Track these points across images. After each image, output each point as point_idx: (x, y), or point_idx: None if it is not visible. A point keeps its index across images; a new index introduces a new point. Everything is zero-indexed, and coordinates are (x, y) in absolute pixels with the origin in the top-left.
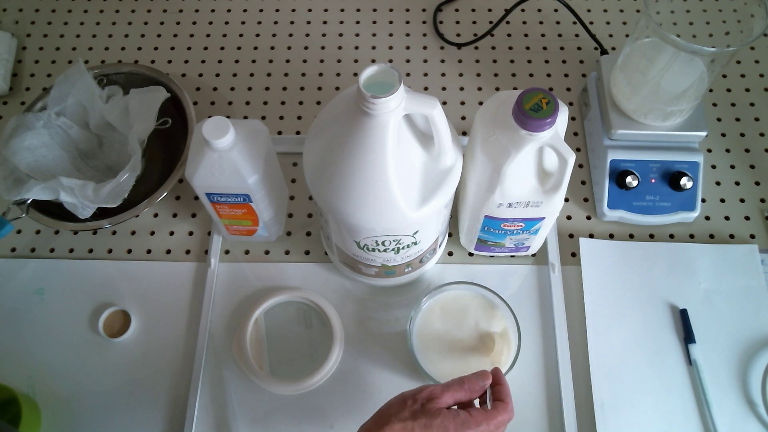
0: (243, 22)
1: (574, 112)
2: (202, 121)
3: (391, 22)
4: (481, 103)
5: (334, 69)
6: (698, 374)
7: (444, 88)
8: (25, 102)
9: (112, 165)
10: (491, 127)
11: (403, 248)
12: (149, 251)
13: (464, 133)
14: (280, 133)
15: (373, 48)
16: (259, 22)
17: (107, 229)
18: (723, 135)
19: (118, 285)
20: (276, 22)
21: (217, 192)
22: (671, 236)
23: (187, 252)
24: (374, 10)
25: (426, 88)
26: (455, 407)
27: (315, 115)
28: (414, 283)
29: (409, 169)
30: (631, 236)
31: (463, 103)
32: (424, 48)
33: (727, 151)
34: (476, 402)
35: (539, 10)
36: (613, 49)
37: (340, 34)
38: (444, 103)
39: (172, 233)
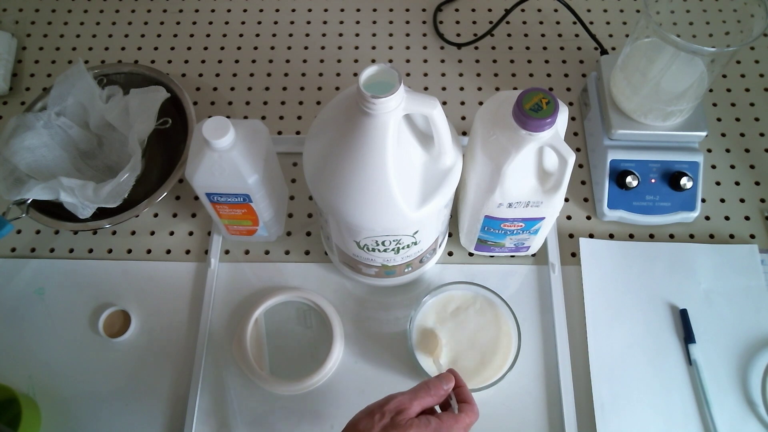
0: (243, 22)
1: (574, 112)
2: (202, 121)
3: (391, 22)
4: (481, 103)
5: (334, 69)
6: (698, 374)
7: (444, 88)
8: (25, 102)
9: (112, 165)
10: (491, 127)
11: (403, 248)
12: (149, 251)
13: (464, 133)
14: (280, 133)
15: (373, 48)
16: (259, 22)
17: (107, 229)
18: (723, 135)
19: (118, 285)
20: (276, 22)
21: (217, 192)
22: (671, 236)
23: (187, 252)
24: (374, 10)
25: (426, 88)
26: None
27: (315, 115)
28: (414, 283)
29: (409, 169)
30: (631, 236)
31: (463, 103)
32: (424, 48)
33: (727, 151)
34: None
35: (539, 10)
36: (613, 49)
37: (340, 34)
38: (444, 103)
39: (172, 233)
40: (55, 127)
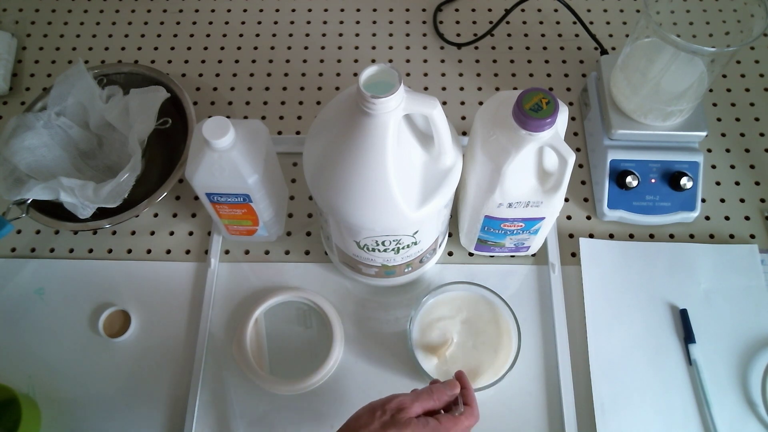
0: (243, 22)
1: (574, 112)
2: (202, 121)
3: (391, 22)
4: (481, 103)
5: (334, 69)
6: (698, 374)
7: (444, 88)
8: (25, 102)
9: (112, 165)
10: (491, 127)
11: (403, 248)
12: (149, 251)
13: (464, 133)
14: (280, 133)
15: (373, 48)
16: (259, 22)
17: (107, 229)
18: (723, 135)
19: (118, 285)
20: (276, 22)
21: (217, 192)
22: (671, 236)
23: (187, 252)
24: (374, 10)
25: (426, 88)
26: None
27: (315, 115)
28: (414, 283)
29: (409, 169)
30: (631, 236)
31: (463, 103)
32: (424, 48)
33: (727, 151)
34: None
35: (539, 10)
36: (613, 49)
37: (340, 34)
38: (444, 103)
39: (172, 233)
40: (55, 127)
